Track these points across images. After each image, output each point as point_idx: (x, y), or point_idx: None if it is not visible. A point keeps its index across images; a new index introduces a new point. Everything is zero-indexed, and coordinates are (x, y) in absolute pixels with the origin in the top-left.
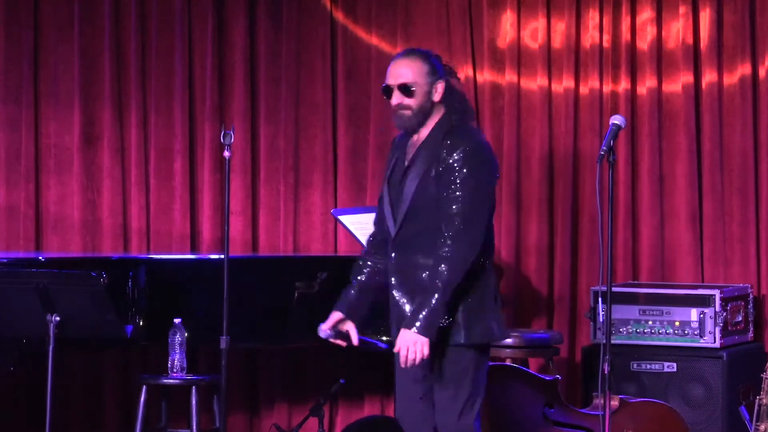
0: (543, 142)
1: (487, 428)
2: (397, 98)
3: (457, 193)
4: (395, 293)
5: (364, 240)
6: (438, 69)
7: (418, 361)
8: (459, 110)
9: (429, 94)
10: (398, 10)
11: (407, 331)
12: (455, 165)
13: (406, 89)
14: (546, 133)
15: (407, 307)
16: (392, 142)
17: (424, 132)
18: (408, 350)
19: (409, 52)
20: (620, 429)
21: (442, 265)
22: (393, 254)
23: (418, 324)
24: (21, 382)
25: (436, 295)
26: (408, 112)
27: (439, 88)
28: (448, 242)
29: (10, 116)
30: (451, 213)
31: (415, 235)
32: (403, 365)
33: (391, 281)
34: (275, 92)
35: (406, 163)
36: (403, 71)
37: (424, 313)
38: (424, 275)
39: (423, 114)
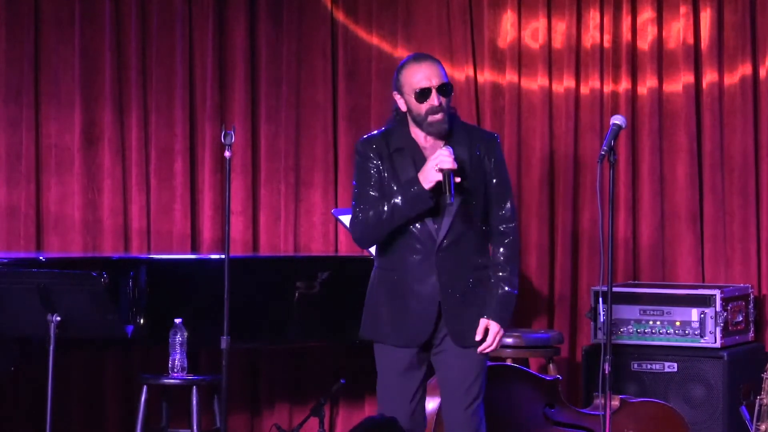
0: (544, 142)
1: (487, 428)
2: (437, 100)
3: (507, 189)
4: (440, 293)
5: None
6: None
7: (493, 348)
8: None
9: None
10: (399, 10)
11: (493, 322)
12: (497, 162)
13: (447, 89)
14: (546, 133)
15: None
16: (368, 146)
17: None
18: (494, 341)
19: (427, 55)
20: (621, 429)
21: (511, 260)
22: (439, 254)
23: (501, 315)
24: (22, 382)
25: (515, 291)
26: (442, 116)
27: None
28: (510, 238)
29: (11, 116)
30: (505, 209)
31: (463, 234)
32: (482, 351)
33: (430, 279)
34: (276, 92)
35: None
36: (440, 71)
37: (505, 305)
38: (477, 273)
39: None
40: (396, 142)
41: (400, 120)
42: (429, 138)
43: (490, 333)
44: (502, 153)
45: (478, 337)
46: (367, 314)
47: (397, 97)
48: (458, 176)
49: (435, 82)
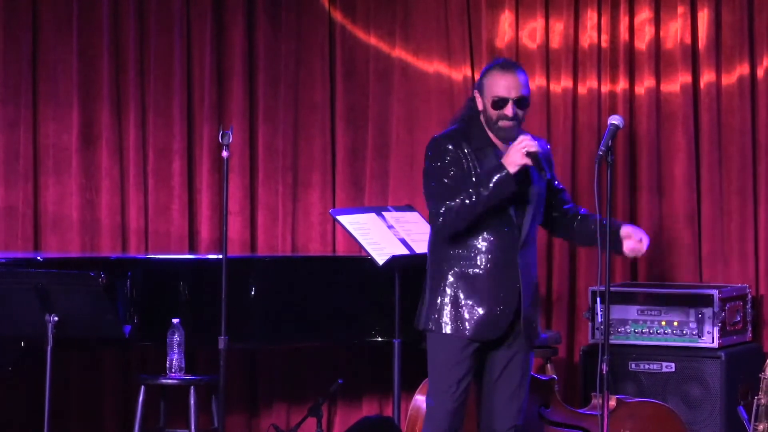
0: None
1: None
2: (512, 110)
3: (563, 185)
4: (525, 289)
5: (362, 240)
6: None
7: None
8: None
9: None
10: (397, 10)
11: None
12: (552, 164)
13: (524, 102)
14: (544, 133)
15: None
16: (450, 142)
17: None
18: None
19: (517, 65)
20: (618, 429)
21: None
22: (521, 250)
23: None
24: (20, 382)
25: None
26: (515, 124)
27: None
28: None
29: (9, 116)
30: (570, 198)
31: (533, 232)
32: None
33: (513, 275)
34: (274, 92)
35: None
36: (524, 83)
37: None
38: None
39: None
40: (476, 141)
41: (470, 119)
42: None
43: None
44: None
45: (638, 237)
46: (432, 306)
47: (477, 96)
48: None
49: (513, 94)
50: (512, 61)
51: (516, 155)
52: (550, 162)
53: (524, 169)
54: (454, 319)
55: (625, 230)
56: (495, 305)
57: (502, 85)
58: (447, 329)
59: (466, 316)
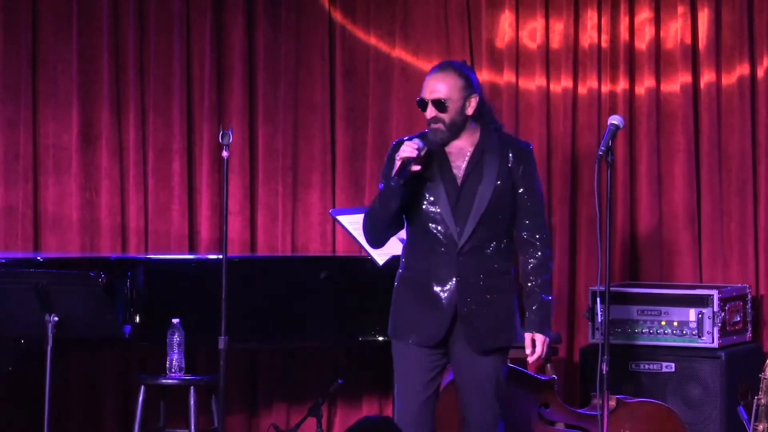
0: (541, 142)
1: None
2: (431, 112)
3: (537, 200)
4: (458, 295)
5: (362, 240)
6: (473, 83)
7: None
8: (495, 120)
9: (462, 108)
10: (397, 10)
11: (537, 334)
12: (528, 172)
13: (440, 104)
14: (544, 133)
15: (473, 308)
16: (398, 146)
17: (462, 142)
18: (542, 350)
19: (445, 66)
20: (618, 429)
21: (546, 267)
22: (460, 259)
23: (541, 325)
24: (19, 382)
25: (550, 297)
26: (441, 126)
27: (473, 102)
28: (543, 246)
29: (9, 116)
30: (537, 219)
31: (487, 240)
32: (533, 361)
33: (450, 283)
34: (273, 92)
35: (463, 172)
36: (439, 86)
37: (544, 314)
38: (498, 278)
39: (456, 128)
40: (429, 145)
41: None
42: (452, 144)
43: (537, 344)
44: (534, 164)
45: (527, 351)
46: (391, 313)
47: None
48: (419, 165)
49: (427, 96)
50: (445, 62)
51: (395, 162)
52: (524, 164)
53: (418, 174)
54: (397, 324)
55: (527, 338)
56: (429, 310)
57: (424, 87)
58: (393, 333)
59: (406, 320)
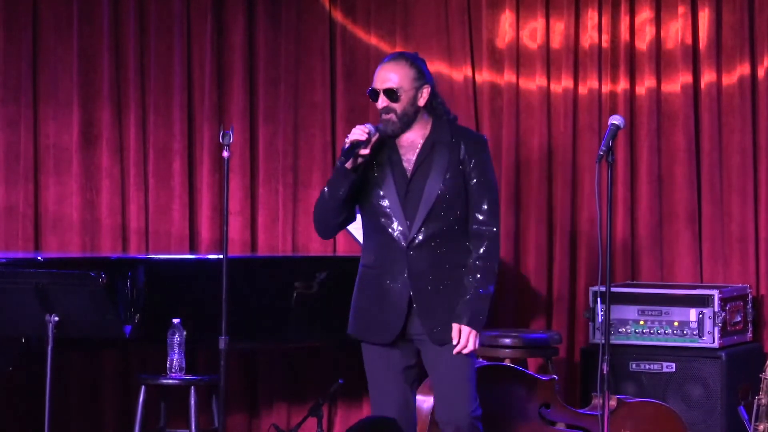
0: (542, 142)
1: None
2: (382, 102)
3: (487, 191)
4: (411, 289)
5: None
6: (425, 73)
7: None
8: (448, 112)
9: (414, 98)
10: (397, 10)
11: (463, 325)
12: (479, 163)
13: (391, 93)
14: (545, 133)
15: (432, 301)
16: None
17: (413, 135)
18: (467, 342)
19: (396, 57)
20: (618, 429)
21: (484, 263)
22: (411, 253)
23: (471, 318)
24: (20, 382)
25: (490, 290)
26: (392, 116)
27: (425, 92)
28: (490, 239)
29: (9, 116)
30: (488, 212)
31: (438, 233)
32: (457, 352)
33: (402, 276)
34: (274, 92)
35: (413, 165)
36: (390, 76)
37: (477, 307)
38: (454, 271)
39: (408, 118)
40: (381, 134)
41: None
42: (403, 136)
43: (462, 336)
44: (487, 155)
45: (454, 342)
46: (351, 312)
47: None
48: (366, 149)
49: (378, 85)
50: (396, 53)
51: (346, 143)
52: (477, 156)
53: (367, 160)
54: (355, 321)
55: (454, 328)
56: (384, 306)
57: (375, 77)
58: (352, 330)
59: (361, 316)
